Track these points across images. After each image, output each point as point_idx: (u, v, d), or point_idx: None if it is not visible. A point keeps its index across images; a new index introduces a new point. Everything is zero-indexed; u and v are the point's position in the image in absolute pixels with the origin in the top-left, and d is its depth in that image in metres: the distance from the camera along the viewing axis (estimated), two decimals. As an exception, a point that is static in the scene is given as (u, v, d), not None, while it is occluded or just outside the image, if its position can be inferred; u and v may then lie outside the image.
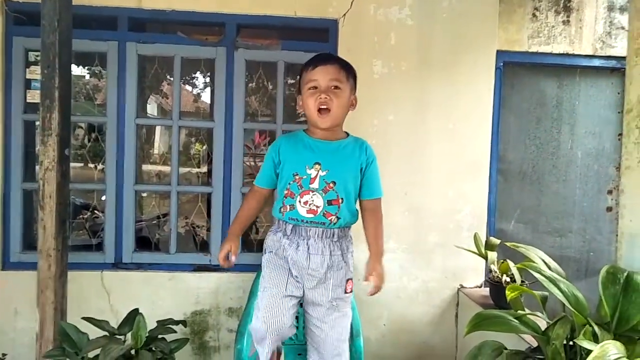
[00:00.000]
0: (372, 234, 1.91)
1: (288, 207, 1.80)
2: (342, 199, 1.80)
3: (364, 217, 1.92)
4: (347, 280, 1.87)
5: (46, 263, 1.47)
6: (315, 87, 1.78)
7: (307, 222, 1.79)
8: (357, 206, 1.92)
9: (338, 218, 1.80)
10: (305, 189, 1.78)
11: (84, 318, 2.02)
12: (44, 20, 1.42)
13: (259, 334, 1.75)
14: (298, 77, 1.91)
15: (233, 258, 1.84)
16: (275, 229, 1.89)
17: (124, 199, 2.76)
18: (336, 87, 1.78)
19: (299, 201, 1.78)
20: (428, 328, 2.89)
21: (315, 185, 1.78)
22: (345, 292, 1.86)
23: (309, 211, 1.78)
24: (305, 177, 1.78)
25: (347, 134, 1.93)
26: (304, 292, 1.83)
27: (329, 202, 1.78)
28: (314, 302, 1.84)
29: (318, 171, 1.78)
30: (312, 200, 1.77)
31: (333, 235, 1.82)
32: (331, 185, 1.78)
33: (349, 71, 1.85)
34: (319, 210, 1.77)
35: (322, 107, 1.76)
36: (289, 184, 1.80)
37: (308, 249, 1.79)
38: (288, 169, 1.82)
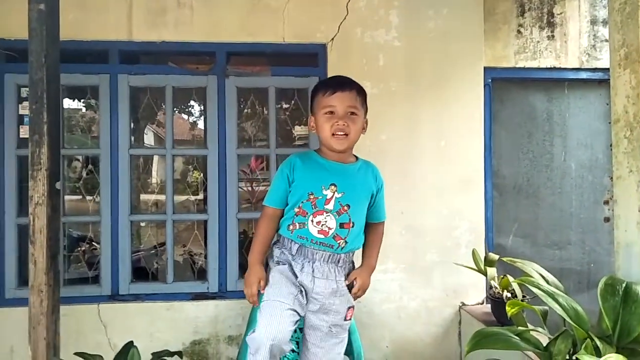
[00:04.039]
0: (369, 250, 1.93)
1: (298, 225, 1.78)
2: (353, 223, 1.79)
3: (366, 237, 1.92)
4: (349, 308, 1.84)
5: (38, 299, 1.46)
6: (332, 112, 1.78)
7: (315, 242, 1.76)
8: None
9: (346, 242, 1.79)
10: (320, 209, 1.76)
11: (76, 353, 1.99)
12: (32, 57, 1.44)
13: (255, 343, 1.68)
14: (310, 96, 1.90)
15: (263, 291, 1.78)
16: (280, 246, 1.85)
17: (120, 230, 2.75)
18: (353, 113, 1.79)
19: (312, 220, 1.76)
20: (431, 348, 2.84)
21: (330, 206, 1.76)
22: (345, 319, 1.84)
23: (320, 231, 1.76)
24: (320, 197, 1.77)
25: (357, 157, 1.93)
26: (305, 313, 1.80)
27: (341, 225, 1.77)
28: (314, 326, 1.81)
29: (334, 193, 1.77)
30: (325, 221, 1.76)
31: (338, 261, 1.80)
32: (345, 208, 1.78)
33: (363, 96, 1.86)
34: (331, 232, 1.76)
35: (340, 133, 1.77)
36: (302, 202, 1.78)
37: (313, 271, 1.77)
38: (303, 188, 1.79)
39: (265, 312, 1.71)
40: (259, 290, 1.79)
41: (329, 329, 1.81)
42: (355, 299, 1.88)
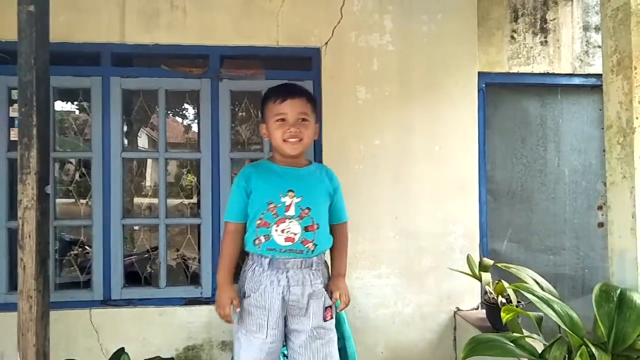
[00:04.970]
0: (338, 255, 1.94)
1: (263, 237, 1.76)
2: (317, 224, 1.79)
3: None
4: (327, 307, 1.84)
5: (27, 304, 1.43)
6: (283, 119, 1.80)
7: (284, 251, 1.76)
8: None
9: (315, 245, 1.78)
10: (281, 217, 1.76)
11: (67, 360, 1.96)
12: (21, 59, 1.42)
13: None
14: (261, 104, 1.91)
15: (238, 310, 1.78)
16: (250, 265, 1.83)
17: (112, 234, 2.72)
18: (304, 120, 1.81)
19: (275, 230, 1.75)
20: (426, 353, 2.83)
21: (291, 212, 1.76)
22: (325, 320, 1.83)
23: (287, 239, 1.75)
24: (280, 205, 1.76)
25: (310, 161, 1.94)
26: (286, 322, 1.81)
27: (306, 229, 1.77)
28: (297, 330, 1.81)
29: (292, 198, 1.77)
30: (289, 228, 1.75)
31: (312, 265, 1.80)
32: (306, 211, 1.78)
33: (314, 102, 1.88)
34: (297, 237, 1.76)
35: (292, 139, 1.78)
36: (263, 213, 1.77)
37: (288, 281, 1.76)
38: (260, 198, 1.79)
39: (242, 347, 1.78)
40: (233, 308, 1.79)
41: (311, 332, 1.80)
42: (346, 306, 1.89)
